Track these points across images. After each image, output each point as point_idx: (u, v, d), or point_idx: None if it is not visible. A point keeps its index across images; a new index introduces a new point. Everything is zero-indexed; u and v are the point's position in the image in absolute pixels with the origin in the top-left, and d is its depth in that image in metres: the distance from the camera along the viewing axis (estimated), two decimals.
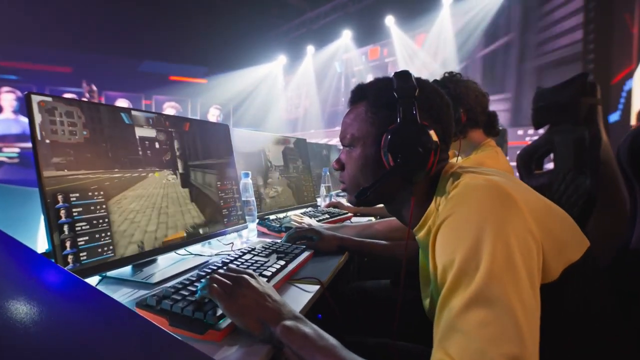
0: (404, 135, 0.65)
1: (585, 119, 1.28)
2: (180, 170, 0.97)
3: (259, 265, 0.83)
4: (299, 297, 0.77)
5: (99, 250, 0.71)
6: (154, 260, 0.90)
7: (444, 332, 0.46)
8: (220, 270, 0.63)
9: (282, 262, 0.87)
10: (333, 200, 2.02)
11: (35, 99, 0.66)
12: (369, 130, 0.71)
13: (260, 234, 1.37)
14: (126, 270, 0.84)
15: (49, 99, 0.68)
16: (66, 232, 0.66)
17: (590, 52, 4.40)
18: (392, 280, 1.14)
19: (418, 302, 1.04)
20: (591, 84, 1.28)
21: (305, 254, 0.99)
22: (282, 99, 7.81)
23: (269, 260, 0.87)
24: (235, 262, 0.84)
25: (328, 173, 2.13)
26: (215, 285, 0.57)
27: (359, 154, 0.73)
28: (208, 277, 0.61)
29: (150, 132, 0.89)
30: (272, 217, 1.56)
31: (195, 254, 1.05)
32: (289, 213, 1.70)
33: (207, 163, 1.08)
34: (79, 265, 0.67)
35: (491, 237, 0.47)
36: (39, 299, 0.39)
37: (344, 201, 1.97)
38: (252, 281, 0.60)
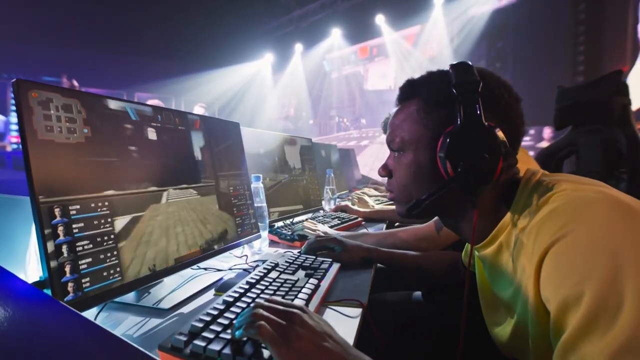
0: (465, 139, 0.55)
1: (618, 120, 1.22)
2: (194, 176, 0.85)
3: (290, 286, 0.72)
4: (341, 324, 0.65)
5: (105, 274, 0.59)
6: (161, 280, 0.78)
7: None
8: (262, 301, 0.51)
9: (314, 281, 0.76)
10: (339, 203, 1.92)
11: (27, 87, 0.52)
12: (422, 132, 0.61)
13: (271, 243, 1.25)
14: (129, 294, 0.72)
15: (44, 89, 0.55)
16: (65, 254, 0.53)
17: (581, 53, 4.45)
18: (424, 295, 1.05)
19: (453, 321, 0.94)
20: (624, 83, 1.22)
21: (334, 268, 0.88)
22: (271, 97, 7.65)
23: (298, 279, 0.76)
24: (261, 282, 0.72)
25: (332, 175, 2.02)
26: (264, 324, 0.45)
27: (410, 160, 0.63)
28: (250, 311, 0.49)
29: (160, 131, 0.76)
30: (279, 223, 1.44)
31: (206, 269, 0.92)
32: (297, 219, 1.59)
33: (222, 167, 0.95)
34: (82, 295, 0.54)
35: (632, 266, 0.38)
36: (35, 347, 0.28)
37: (350, 204, 1.86)
38: (306, 317, 0.48)
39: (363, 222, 1.66)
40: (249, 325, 0.46)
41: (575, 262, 0.41)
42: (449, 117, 0.57)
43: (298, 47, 7.26)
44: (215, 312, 0.56)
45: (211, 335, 0.50)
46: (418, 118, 0.61)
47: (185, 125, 0.84)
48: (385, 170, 0.69)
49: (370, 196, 2.28)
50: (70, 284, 0.53)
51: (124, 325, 0.63)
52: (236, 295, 0.64)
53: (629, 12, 3.53)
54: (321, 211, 1.87)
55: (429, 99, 0.60)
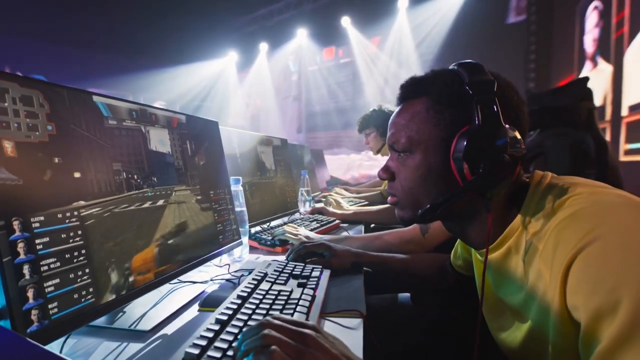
0: (485, 140, 0.53)
1: (584, 123, 1.28)
2: (173, 178, 0.76)
3: (285, 298, 0.66)
4: (343, 337, 0.60)
5: (76, 296, 0.50)
6: None
7: None
8: (274, 320, 0.45)
9: (310, 291, 0.70)
10: (314, 205, 1.87)
11: None
12: (433, 132, 0.58)
13: (251, 249, 1.18)
14: None
15: None
16: (27, 276, 0.44)
17: (532, 61, 4.73)
18: (413, 297, 1.03)
19: (445, 324, 0.93)
20: (589, 89, 1.28)
21: (326, 276, 0.83)
22: (236, 97, 7.44)
23: (292, 290, 0.70)
24: (253, 295, 0.66)
25: (307, 176, 1.97)
26: (277, 349, 0.40)
27: (418, 162, 0.60)
28: (256, 331, 0.43)
29: (135, 129, 0.68)
30: (256, 228, 1.37)
31: (184, 282, 0.84)
32: (273, 222, 1.53)
33: (201, 169, 0.87)
34: (48, 323, 0.45)
35: None
36: None
37: (325, 206, 1.83)
38: (320, 338, 0.43)
39: (341, 225, 1.63)
40: (259, 350, 0.40)
41: (608, 268, 0.39)
42: (463, 117, 0.55)
43: (263, 46, 7.12)
44: (210, 335, 0.50)
45: None
46: (427, 117, 0.58)
47: (162, 123, 0.76)
48: (387, 172, 0.65)
49: (343, 198, 2.25)
50: (34, 312, 0.44)
51: (99, 354, 0.54)
52: (229, 312, 0.57)
53: (576, 25, 3.79)
54: (297, 214, 1.82)
55: (440, 97, 0.58)
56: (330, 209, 1.76)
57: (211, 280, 0.88)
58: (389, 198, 0.67)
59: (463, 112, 0.55)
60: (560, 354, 0.48)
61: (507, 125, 0.53)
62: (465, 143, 0.53)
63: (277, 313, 0.60)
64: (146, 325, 0.62)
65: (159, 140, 0.74)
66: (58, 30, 5.53)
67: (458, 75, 0.57)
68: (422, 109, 0.59)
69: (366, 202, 2.36)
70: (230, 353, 0.46)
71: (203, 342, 0.47)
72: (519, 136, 0.54)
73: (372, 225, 1.86)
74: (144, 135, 0.70)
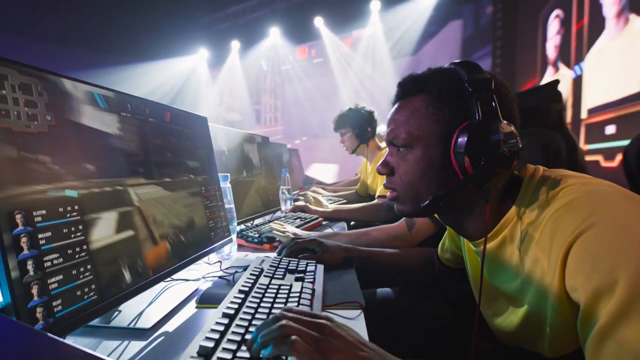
0: (485, 135, 0.56)
1: (554, 123, 1.36)
2: (167, 173, 0.75)
3: (286, 292, 0.67)
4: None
5: (78, 293, 0.48)
6: None
7: None
8: (289, 313, 0.45)
9: (309, 285, 0.71)
10: (295, 204, 1.88)
11: None
12: (433, 128, 0.61)
13: (239, 247, 1.17)
14: None
15: None
16: (31, 272, 0.42)
17: (498, 66, 4.96)
18: (401, 290, 1.05)
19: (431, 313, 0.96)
20: (559, 92, 1.37)
21: (320, 270, 0.84)
22: (208, 95, 7.28)
23: (291, 285, 0.71)
24: (254, 289, 0.66)
25: (288, 174, 1.97)
26: (298, 339, 0.40)
27: (419, 157, 0.62)
28: (272, 323, 0.44)
29: (130, 122, 0.66)
30: (240, 226, 1.36)
31: (177, 280, 0.83)
32: (257, 221, 1.52)
33: (193, 164, 0.86)
34: (53, 321, 0.44)
35: None
36: None
37: (305, 204, 1.83)
38: (335, 327, 0.44)
39: (324, 222, 1.64)
40: (279, 341, 0.41)
41: (606, 251, 0.43)
42: (463, 113, 0.57)
43: (235, 44, 7.01)
44: (221, 328, 0.49)
45: (228, 356, 0.43)
46: (427, 114, 0.61)
47: (155, 117, 0.74)
48: (386, 167, 0.67)
49: (322, 196, 2.27)
50: (39, 309, 0.42)
51: (101, 353, 0.52)
52: (235, 306, 0.57)
53: (538, 31, 4.02)
54: (279, 212, 1.81)
55: (440, 95, 0.60)
56: (312, 206, 1.77)
57: (203, 277, 0.87)
58: (388, 193, 0.69)
59: (462, 109, 0.58)
60: (558, 334, 0.51)
61: (504, 121, 0.57)
62: (466, 138, 0.55)
63: (287, 306, 0.60)
64: (146, 323, 0.60)
65: (153, 133, 0.73)
66: (24, 24, 5.17)
67: (456, 74, 0.60)
68: (422, 106, 0.62)
69: (344, 201, 2.40)
70: (243, 347, 0.46)
71: (215, 336, 0.47)
72: (515, 131, 0.57)
73: (352, 223, 1.89)
74: (138, 128, 0.68)
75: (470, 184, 0.57)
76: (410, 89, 0.64)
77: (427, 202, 0.60)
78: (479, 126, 0.56)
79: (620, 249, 0.42)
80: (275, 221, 1.35)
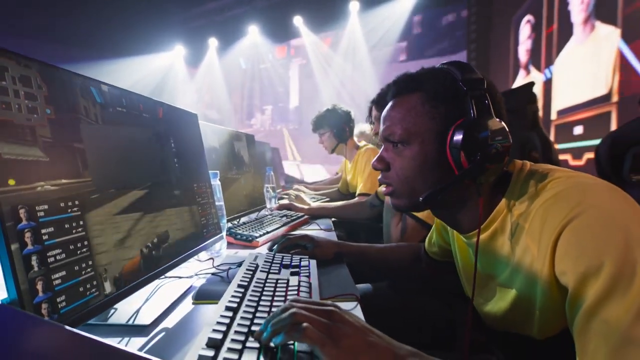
0: (480, 131, 0.59)
1: (530, 123, 1.43)
2: (162, 170, 0.74)
3: (284, 285, 0.68)
4: None
5: (81, 289, 0.47)
6: None
7: (614, 347, 0.41)
8: (297, 302, 0.47)
9: (305, 279, 0.73)
10: (281, 202, 1.88)
11: None
12: (429, 125, 0.63)
13: (228, 245, 1.16)
14: None
15: None
16: (36, 267, 0.41)
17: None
18: (390, 285, 1.08)
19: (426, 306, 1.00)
20: (534, 93, 1.44)
21: (314, 265, 0.85)
22: (185, 93, 7.13)
23: (288, 279, 0.72)
24: (253, 284, 0.67)
25: (272, 172, 1.97)
26: (309, 326, 0.41)
27: (415, 153, 0.64)
28: (281, 312, 0.45)
29: (125, 117, 0.65)
30: (228, 224, 1.35)
31: (171, 277, 0.82)
32: (243, 219, 1.51)
33: (186, 161, 0.85)
34: (58, 318, 0.43)
35: (639, 237, 0.44)
36: None
37: (289, 202, 1.84)
38: (343, 314, 0.46)
39: (310, 220, 1.66)
40: (290, 328, 0.42)
41: (593, 237, 0.47)
42: (458, 111, 0.60)
43: (212, 41, 6.91)
44: (226, 321, 0.50)
45: (238, 346, 0.44)
46: (423, 111, 0.63)
47: (149, 113, 0.73)
48: (382, 162, 0.69)
49: (305, 194, 2.28)
50: (44, 305, 0.41)
51: None
52: (237, 300, 0.58)
53: (511, 36, 4.19)
54: (264, 210, 1.81)
55: (435, 93, 0.62)
56: (297, 204, 1.78)
57: (196, 275, 0.86)
58: (384, 188, 0.71)
59: (457, 107, 0.61)
60: (547, 317, 0.55)
61: (497, 118, 0.60)
62: (462, 134, 0.58)
63: (294, 297, 0.62)
64: (145, 320, 0.60)
65: (147, 130, 0.72)
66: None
67: (450, 73, 0.63)
68: (418, 104, 0.64)
69: (327, 199, 2.42)
70: (251, 338, 0.47)
71: (222, 328, 0.48)
72: (506, 128, 0.60)
73: (333, 220, 1.91)
74: (133, 123, 0.67)
75: (465, 178, 0.60)
76: (405, 87, 0.67)
77: (426, 195, 0.62)
78: (474, 123, 0.58)
79: (606, 236, 0.46)
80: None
